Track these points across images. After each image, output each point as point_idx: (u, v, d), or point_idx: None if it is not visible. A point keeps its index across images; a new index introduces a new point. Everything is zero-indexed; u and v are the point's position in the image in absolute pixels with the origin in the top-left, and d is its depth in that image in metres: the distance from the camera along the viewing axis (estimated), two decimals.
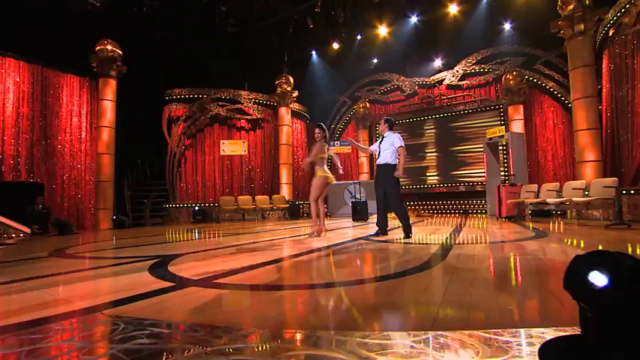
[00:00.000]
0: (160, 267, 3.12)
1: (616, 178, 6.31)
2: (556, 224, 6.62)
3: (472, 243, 4.34)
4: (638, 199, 6.61)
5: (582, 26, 7.83)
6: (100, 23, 10.06)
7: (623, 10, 7.52)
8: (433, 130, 12.84)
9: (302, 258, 3.61)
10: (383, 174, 4.94)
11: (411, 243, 4.33)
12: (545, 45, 10.43)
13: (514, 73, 10.69)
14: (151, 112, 11.76)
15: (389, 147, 4.94)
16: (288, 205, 11.47)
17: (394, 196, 4.88)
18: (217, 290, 2.34)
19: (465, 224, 7.07)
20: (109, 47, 10.15)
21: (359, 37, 13.46)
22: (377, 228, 5.17)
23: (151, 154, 12.15)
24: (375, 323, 1.67)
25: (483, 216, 9.81)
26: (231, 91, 12.26)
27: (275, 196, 11.63)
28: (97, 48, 10.10)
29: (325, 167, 5.42)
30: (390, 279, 2.51)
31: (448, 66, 12.47)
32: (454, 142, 12.34)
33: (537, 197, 7.59)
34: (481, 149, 11.49)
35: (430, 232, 5.73)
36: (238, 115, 12.31)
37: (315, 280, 2.73)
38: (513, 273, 2.73)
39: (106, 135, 10.27)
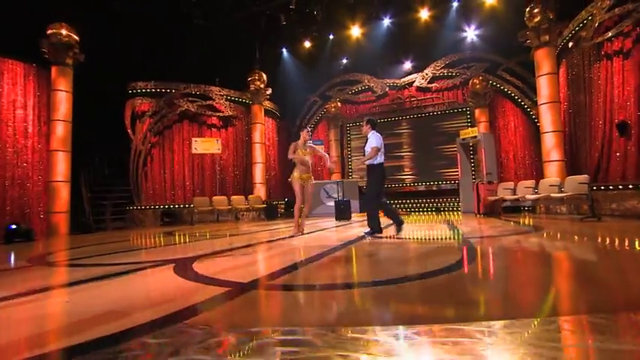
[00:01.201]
0: (186, 271, 2.88)
1: (587, 176, 6.99)
2: (532, 219, 7.18)
3: (485, 237, 4.53)
4: (600, 195, 7.38)
5: (547, 37, 8.59)
6: (52, 4, 9.02)
7: (581, 25, 8.37)
8: (404, 131, 13.29)
9: (337, 254, 3.56)
10: (368, 174, 5.03)
11: (415, 240, 4.42)
12: (507, 53, 11.27)
13: (480, 77, 11.42)
14: (112, 106, 10.82)
15: (368, 148, 5.03)
16: (264, 206, 11.17)
17: (368, 194, 5.03)
18: (288, 293, 2.23)
19: (451, 221, 7.40)
20: (64, 32, 9.13)
21: (331, 37, 13.52)
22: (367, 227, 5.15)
23: (111, 151, 11.19)
24: (478, 311, 1.62)
25: (458, 213, 10.35)
26: (201, 86, 11.67)
27: (251, 196, 11.27)
28: (50, 31, 9.03)
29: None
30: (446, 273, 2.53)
31: (418, 69, 12.98)
32: (424, 143, 12.87)
33: (515, 194, 8.18)
34: (451, 150, 12.13)
35: (427, 229, 5.96)
36: (209, 112, 11.74)
37: (383, 275, 2.68)
38: (566, 262, 2.89)
39: (61, 130, 9.24)
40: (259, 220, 11.14)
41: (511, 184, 8.66)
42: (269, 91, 12.57)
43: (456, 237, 4.60)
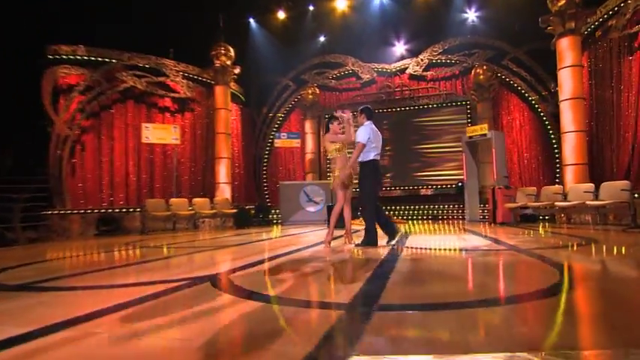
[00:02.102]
0: (238, 290, 2.36)
1: (628, 182, 6.66)
2: (567, 229, 6.67)
3: (552, 247, 4.00)
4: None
5: (573, 24, 8.20)
6: None
7: (611, 13, 8.13)
8: (392, 125, 12.53)
9: (399, 267, 3.19)
10: (359, 173, 4.72)
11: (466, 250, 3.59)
12: (514, 40, 10.88)
13: (484, 67, 10.98)
14: (23, 75, 8.73)
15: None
16: (235, 211, 9.71)
17: (362, 196, 4.70)
18: (418, 313, 1.79)
19: (478, 231, 6.66)
20: None
21: (311, 8, 12.36)
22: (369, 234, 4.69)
23: (19, 136, 9.07)
24: None
25: (461, 222, 9.75)
26: (151, 58, 9.92)
27: (217, 198, 9.76)
28: None
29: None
30: None
31: (412, 53, 12.28)
32: (417, 140, 12.24)
33: (538, 200, 7.72)
34: (448, 148, 11.63)
35: (460, 240, 5.42)
36: (162, 92, 10.02)
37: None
38: None
39: None
40: (225, 228, 9.67)
41: (533, 190, 8.23)
42: (237, 70, 11.10)
43: (514, 250, 3.98)
